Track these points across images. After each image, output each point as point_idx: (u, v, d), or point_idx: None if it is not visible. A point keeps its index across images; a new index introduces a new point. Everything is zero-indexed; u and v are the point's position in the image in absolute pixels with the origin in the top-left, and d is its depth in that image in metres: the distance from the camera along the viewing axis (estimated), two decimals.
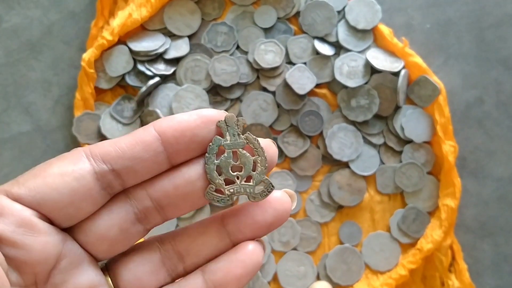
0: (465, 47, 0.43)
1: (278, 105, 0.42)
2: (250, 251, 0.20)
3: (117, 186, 0.19)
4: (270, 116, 0.42)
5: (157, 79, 0.41)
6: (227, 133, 0.20)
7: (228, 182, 0.20)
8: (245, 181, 0.20)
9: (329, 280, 0.41)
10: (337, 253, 0.41)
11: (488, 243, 0.42)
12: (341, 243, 0.42)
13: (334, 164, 0.43)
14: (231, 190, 0.20)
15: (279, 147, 0.42)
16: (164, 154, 0.19)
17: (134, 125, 0.42)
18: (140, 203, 0.19)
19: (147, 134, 0.19)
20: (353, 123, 0.42)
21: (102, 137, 0.41)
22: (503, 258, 0.42)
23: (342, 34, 0.42)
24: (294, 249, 0.42)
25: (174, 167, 0.20)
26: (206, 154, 0.20)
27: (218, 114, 0.19)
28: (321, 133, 0.42)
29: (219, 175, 0.20)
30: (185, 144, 0.19)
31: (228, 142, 0.20)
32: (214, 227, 0.21)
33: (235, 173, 0.20)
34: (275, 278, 0.41)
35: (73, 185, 0.18)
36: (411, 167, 0.41)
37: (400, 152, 0.42)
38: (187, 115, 0.19)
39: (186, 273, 0.21)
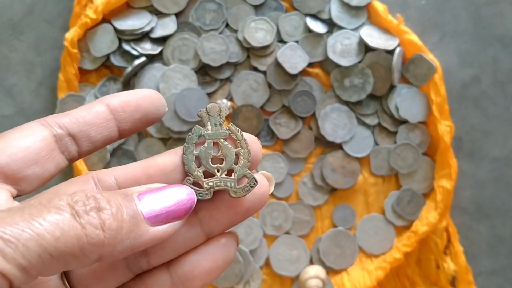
0: (461, 24, 0.42)
1: (270, 85, 0.41)
2: (222, 244, 0.19)
3: (73, 152, 0.19)
4: (261, 96, 0.41)
5: (143, 59, 0.40)
6: (208, 122, 0.19)
7: (208, 175, 0.19)
8: (226, 175, 0.19)
9: (323, 264, 0.40)
10: (331, 236, 0.41)
11: (484, 225, 0.41)
12: (335, 226, 0.41)
13: (327, 145, 0.42)
14: (210, 184, 0.19)
15: (270, 129, 0.41)
16: (113, 121, 0.19)
17: None
18: (105, 188, 0.18)
19: (96, 104, 0.19)
20: (346, 103, 0.41)
21: None
22: (499, 240, 0.41)
23: (335, 11, 0.41)
24: (287, 233, 0.41)
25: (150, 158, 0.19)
26: (185, 144, 0.19)
27: (159, 94, 0.20)
28: (313, 114, 0.41)
29: (198, 167, 0.19)
30: (130, 113, 0.19)
31: (209, 132, 0.19)
32: None
33: (215, 165, 0.19)
34: (267, 263, 0.41)
35: (38, 144, 0.18)
36: (406, 148, 0.41)
37: (395, 133, 0.41)
38: (131, 91, 0.20)
39: (150, 268, 0.19)
